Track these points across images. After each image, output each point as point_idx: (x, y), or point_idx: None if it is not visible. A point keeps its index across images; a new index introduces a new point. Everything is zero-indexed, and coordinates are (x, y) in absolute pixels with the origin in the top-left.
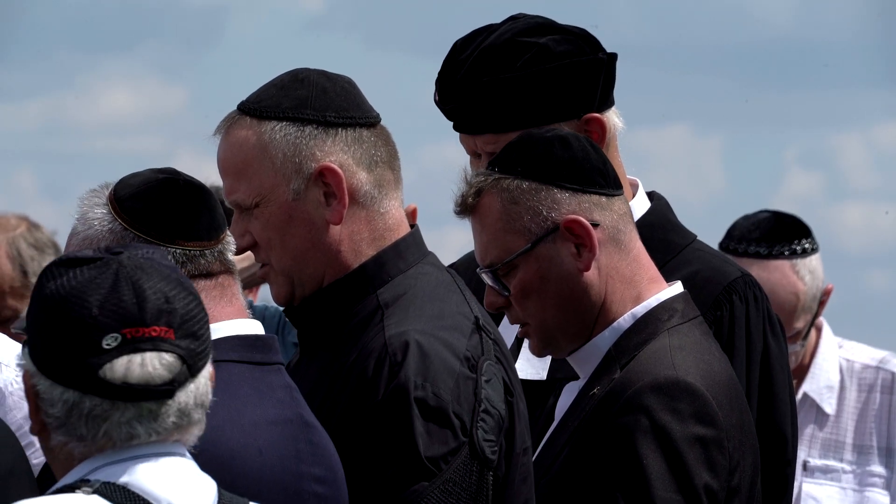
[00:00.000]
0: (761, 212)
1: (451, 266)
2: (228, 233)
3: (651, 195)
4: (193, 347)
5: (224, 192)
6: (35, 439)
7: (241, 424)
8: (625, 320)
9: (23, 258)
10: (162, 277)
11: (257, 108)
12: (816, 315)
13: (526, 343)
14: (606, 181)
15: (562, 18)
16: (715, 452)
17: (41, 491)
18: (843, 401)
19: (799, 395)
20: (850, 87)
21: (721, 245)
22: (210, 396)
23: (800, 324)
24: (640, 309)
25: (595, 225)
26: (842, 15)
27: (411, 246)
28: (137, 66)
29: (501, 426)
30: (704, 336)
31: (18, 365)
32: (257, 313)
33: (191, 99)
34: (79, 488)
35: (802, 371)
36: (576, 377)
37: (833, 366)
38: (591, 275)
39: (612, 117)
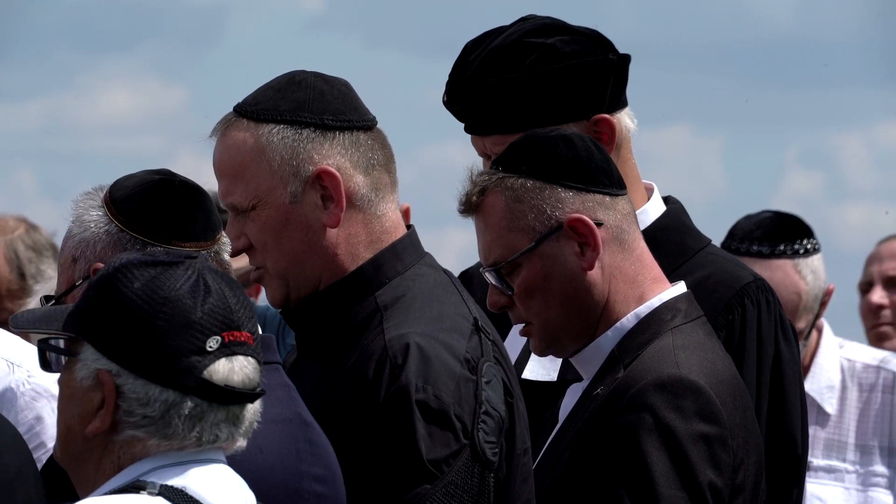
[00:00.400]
0: (764, 212)
1: (466, 273)
2: (224, 233)
3: (667, 199)
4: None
5: (220, 194)
6: (45, 440)
7: None
8: (628, 320)
9: (20, 260)
10: (230, 284)
11: (255, 110)
12: (818, 315)
13: None
14: (610, 181)
15: (562, 18)
16: (719, 450)
17: (44, 491)
18: (844, 401)
19: None
20: (851, 86)
21: (723, 245)
22: None
23: (801, 324)
24: (644, 309)
25: (599, 224)
26: (842, 15)
27: (408, 248)
28: (137, 66)
29: (502, 427)
30: (708, 336)
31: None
32: (258, 314)
33: (191, 99)
34: (142, 489)
35: (803, 371)
36: None
37: (834, 366)
38: (595, 274)
39: (624, 118)
